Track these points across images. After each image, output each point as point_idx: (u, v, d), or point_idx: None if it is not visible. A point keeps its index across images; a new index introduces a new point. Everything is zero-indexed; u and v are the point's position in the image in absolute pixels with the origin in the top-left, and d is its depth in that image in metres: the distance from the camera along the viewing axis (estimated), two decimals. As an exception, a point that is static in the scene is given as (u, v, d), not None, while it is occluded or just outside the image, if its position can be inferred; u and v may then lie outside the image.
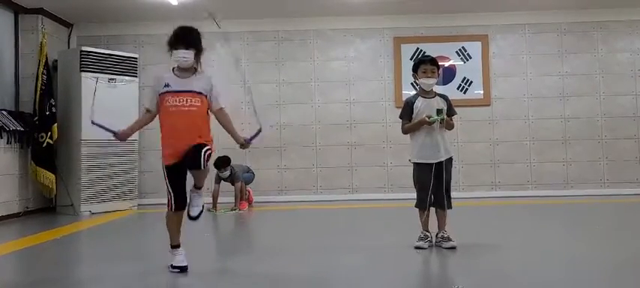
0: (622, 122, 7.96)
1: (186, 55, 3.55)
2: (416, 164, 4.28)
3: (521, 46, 8.14)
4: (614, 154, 7.93)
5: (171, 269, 3.57)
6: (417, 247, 4.12)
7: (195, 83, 3.59)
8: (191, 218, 3.70)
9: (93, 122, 3.70)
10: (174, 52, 3.57)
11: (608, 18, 8.03)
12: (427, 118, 4.13)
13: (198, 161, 3.46)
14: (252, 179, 7.53)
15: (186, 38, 3.58)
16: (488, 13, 8.03)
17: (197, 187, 3.74)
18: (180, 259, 3.59)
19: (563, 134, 8.01)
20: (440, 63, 4.42)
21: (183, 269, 3.56)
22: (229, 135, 3.73)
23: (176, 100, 3.53)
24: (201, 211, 3.75)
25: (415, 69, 4.32)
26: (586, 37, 8.10)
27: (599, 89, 8.02)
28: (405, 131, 4.34)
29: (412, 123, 4.25)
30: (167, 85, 3.57)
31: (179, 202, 3.60)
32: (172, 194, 3.58)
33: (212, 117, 3.69)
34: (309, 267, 3.76)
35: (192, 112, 3.54)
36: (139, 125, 3.85)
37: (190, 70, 3.63)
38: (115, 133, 3.67)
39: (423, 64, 4.27)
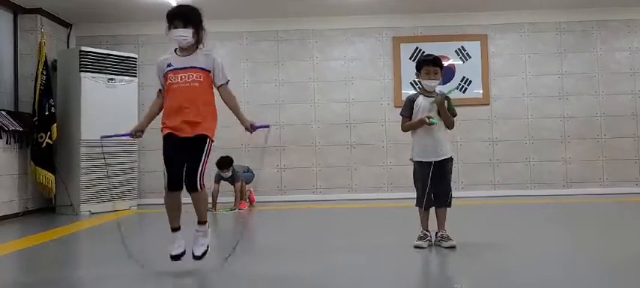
0: (621, 121, 7.97)
1: (184, 34, 3.45)
2: (416, 163, 4.28)
3: (520, 45, 8.14)
4: (613, 153, 7.94)
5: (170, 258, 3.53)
6: (417, 247, 4.13)
7: (195, 59, 3.49)
8: (195, 257, 3.54)
9: (102, 137, 3.72)
10: (172, 30, 3.46)
11: (607, 17, 8.04)
12: (426, 119, 4.14)
13: (193, 184, 3.40)
14: (253, 179, 7.53)
15: (184, 15, 3.47)
16: (488, 13, 8.03)
17: (200, 221, 3.60)
18: (175, 246, 3.53)
19: (562, 133, 8.02)
20: (439, 62, 4.38)
21: (174, 258, 3.51)
22: (234, 115, 3.59)
23: (178, 77, 3.45)
24: (206, 251, 3.57)
25: (418, 68, 4.28)
26: (585, 37, 8.10)
27: (598, 88, 8.03)
28: (404, 129, 4.35)
29: (411, 122, 4.26)
30: (169, 65, 3.50)
31: (172, 181, 3.44)
32: (166, 173, 3.46)
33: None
34: (308, 267, 3.76)
35: (194, 88, 3.44)
36: (151, 114, 3.63)
37: (191, 49, 3.52)
38: (128, 134, 3.62)
39: (426, 65, 4.21)
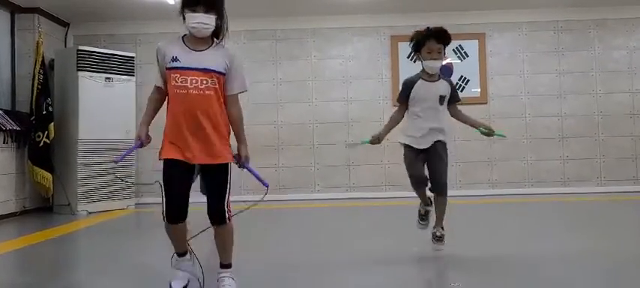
0: (618, 120, 7.98)
1: (206, 21, 2.72)
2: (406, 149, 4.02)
3: (518, 44, 8.15)
4: (611, 151, 7.95)
5: None
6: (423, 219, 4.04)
7: (210, 58, 2.76)
8: None
9: (116, 162, 3.42)
10: (191, 15, 2.71)
11: (605, 16, 8.05)
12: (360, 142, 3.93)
13: (220, 216, 2.77)
14: None
15: None
16: (485, 12, 8.03)
17: (223, 265, 2.90)
18: (178, 275, 2.95)
19: (560, 132, 8.03)
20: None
21: None
22: (234, 136, 2.92)
23: (186, 81, 2.71)
24: None
25: (418, 47, 3.63)
26: (583, 35, 8.11)
27: (596, 87, 8.04)
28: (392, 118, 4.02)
29: (386, 126, 3.97)
30: (175, 60, 2.74)
31: (174, 210, 2.75)
32: (165, 200, 2.72)
33: None
34: (306, 266, 3.76)
35: (209, 98, 2.73)
36: (150, 113, 2.91)
37: (206, 41, 2.80)
38: (137, 146, 2.91)
39: (429, 41, 3.52)
